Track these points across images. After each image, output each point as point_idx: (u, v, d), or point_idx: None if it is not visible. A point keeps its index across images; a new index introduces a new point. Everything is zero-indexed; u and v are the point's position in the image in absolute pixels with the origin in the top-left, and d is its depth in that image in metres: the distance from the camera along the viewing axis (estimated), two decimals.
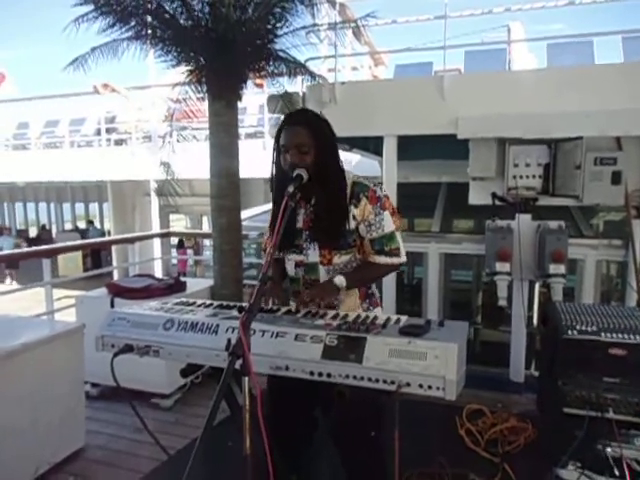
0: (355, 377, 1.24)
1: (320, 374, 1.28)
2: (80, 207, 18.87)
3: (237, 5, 3.39)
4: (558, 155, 3.43)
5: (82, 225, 18.50)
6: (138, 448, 2.91)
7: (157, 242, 9.48)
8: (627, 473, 2.22)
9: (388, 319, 1.50)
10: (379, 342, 1.27)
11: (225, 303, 1.73)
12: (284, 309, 1.65)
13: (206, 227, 14.01)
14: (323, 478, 1.92)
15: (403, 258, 1.76)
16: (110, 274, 8.82)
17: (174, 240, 12.56)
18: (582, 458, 2.35)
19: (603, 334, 2.41)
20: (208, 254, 12.50)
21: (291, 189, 1.54)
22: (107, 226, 16.37)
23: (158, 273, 7.98)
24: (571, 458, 2.37)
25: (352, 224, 1.69)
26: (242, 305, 1.63)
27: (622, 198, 3.44)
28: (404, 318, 1.51)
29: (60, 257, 10.69)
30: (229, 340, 1.15)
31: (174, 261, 12.84)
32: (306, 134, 1.63)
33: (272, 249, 1.40)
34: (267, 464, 1.20)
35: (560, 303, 2.86)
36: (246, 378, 1.13)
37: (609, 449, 2.35)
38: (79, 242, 7.06)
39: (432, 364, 1.19)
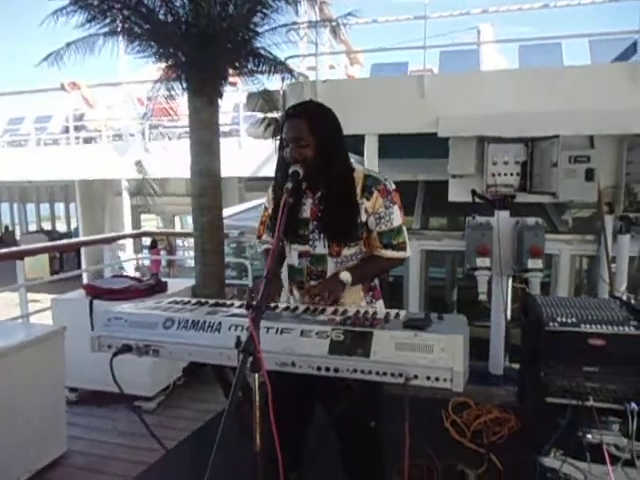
0: (363, 371, 1.25)
1: (327, 369, 1.28)
2: (45, 207, 18.25)
3: (218, 1, 3.35)
4: (535, 153, 3.54)
5: (47, 226, 17.91)
6: (121, 452, 2.87)
7: (129, 243, 9.28)
8: (607, 458, 2.31)
9: (388, 313, 1.52)
10: (385, 336, 1.28)
11: (221, 301, 1.71)
12: (282, 305, 1.65)
13: (179, 227, 13.78)
14: (322, 474, 1.92)
15: (409, 252, 1.78)
16: (79, 277, 8.57)
17: (146, 241, 12.31)
18: (564, 446, 2.43)
19: (582, 325, 2.50)
20: (181, 254, 12.30)
21: (289, 186, 1.54)
22: (73, 226, 15.93)
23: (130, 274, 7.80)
24: (554, 446, 2.45)
25: (363, 217, 1.69)
26: (247, 302, 1.62)
27: (595, 194, 3.57)
28: (403, 312, 1.53)
29: (26, 261, 10.28)
30: (238, 337, 1.14)
31: (146, 262, 12.57)
32: (305, 127, 1.62)
33: (274, 247, 1.39)
34: (268, 460, 1.20)
35: (540, 296, 2.95)
36: (256, 374, 1.13)
37: (589, 436, 2.44)
38: (53, 243, 6.81)
39: (439, 356, 1.21)
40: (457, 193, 3.80)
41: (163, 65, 3.73)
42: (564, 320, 2.54)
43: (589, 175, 3.44)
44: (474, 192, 3.69)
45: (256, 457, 1.17)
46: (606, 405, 2.45)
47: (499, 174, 3.57)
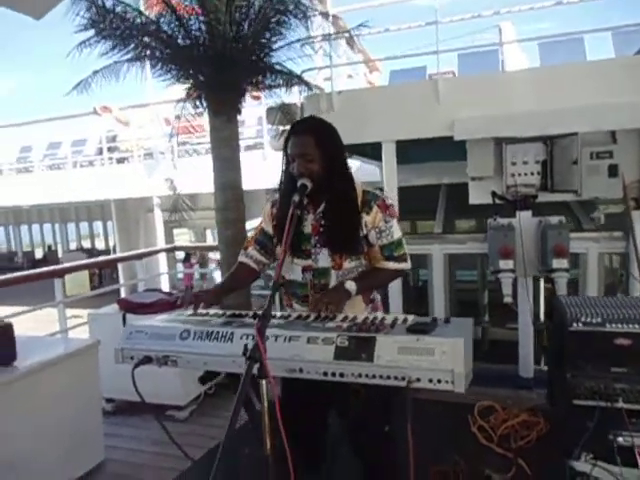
0: (367, 375, 1.29)
1: (333, 374, 1.33)
2: (84, 226, 19.02)
3: (233, 22, 3.48)
4: (555, 151, 3.48)
5: (87, 244, 18.65)
6: (157, 460, 2.95)
7: (163, 257, 9.57)
8: (639, 461, 2.24)
9: (396, 319, 1.55)
10: (388, 341, 1.31)
11: (237, 312, 1.78)
12: (295, 314, 1.70)
13: (210, 240, 14.08)
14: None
15: (409, 264, 1.83)
16: (118, 291, 8.90)
17: (180, 255, 12.63)
18: (594, 449, 2.38)
19: (608, 325, 2.44)
20: (213, 267, 12.56)
21: (296, 198, 1.60)
22: (111, 243, 16.53)
23: (165, 288, 8.05)
24: (583, 449, 2.39)
25: (364, 231, 1.74)
26: (256, 312, 1.69)
27: (620, 190, 3.48)
28: (411, 317, 1.56)
29: (67, 278, 10.73)
30: (245, 346, 1.21)
31: (180, 275, 12.89)
32: (312, 143, 1.68)
33: (280, 262, 1.46)
34: (285, 466, 1.24)
35: (565, 297, 2.89)
36: (264, 381, 1.19)
37: (620, 438, 2.38)
38: (89, 260, 7.12)
39: (440, 359, 1.24)
40: (477, 195, 3.78)
41: (185, 86, 3.87)
42: (589, 320, 2.49)
43: (612, 171, 3.36)
44: (494, 194, 3.66)
45: (266, 460, 1.23)
46: (636, 407, 2.39)
47: (519, 174, 3.53)
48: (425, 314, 1.69)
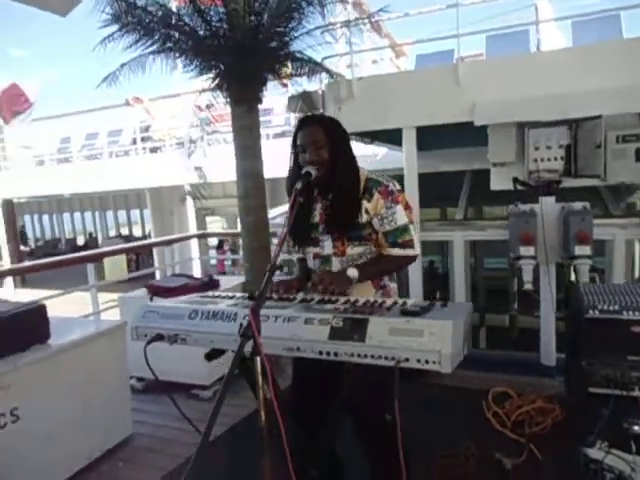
0: (359, 355, 1.34)
1: (328, 353, 1.39)
2: (122, 214, 19.69)
3: (252, 12, 3.52)
4: (579, 135, 3.39)
5: (125, 232, 19.31)
6: (181, 436, 3.10)
7: (195, 244, 9.84)
8: None
9: (395, 302, 1.58)
10: (380, 322, 1.36)
11: (247, 294, 1.86)
12: (299, 297, 1.77)
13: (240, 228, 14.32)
14: (343, 470, 2.03)
15: (417, 250, 1.82)
16: (153, 275, 9.22)
17: (212, 242, 12.93)
18: (609, 437, 2.36)
19: (625, 312, 2.40)
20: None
21: (299, 186, 1.65)
22: (148, 231, 17.08)
23: (197, 273, 8.29)
24: (598, 437, 2.38)
25: (364, 217, 1.76)
26: (252, 294, 1.76)
27: None
28: (411, 301, 1.60)
29: (106, 263, 11.20)
30: (241, 325, 1.28)
31: (213, 262, 13.22)
32: (321, 131, 1.75)
33: (279, 244, 1.52)
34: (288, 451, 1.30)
35: (584, 284, 2.85)
36: (257, 358, 1.26)
37: (636, 427, 2.35)
38: (120, 246, 7.42)
39: (429, 340, 1.28)
40: (499, 181, 3.73)
41: (206, 77, 3.96)
42: (605, 307, 2.46)
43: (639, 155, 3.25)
44: (516, 179, 3.60)
45: (261, 432, 1.31)
46: None
47: (542, 159, 3.45)
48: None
